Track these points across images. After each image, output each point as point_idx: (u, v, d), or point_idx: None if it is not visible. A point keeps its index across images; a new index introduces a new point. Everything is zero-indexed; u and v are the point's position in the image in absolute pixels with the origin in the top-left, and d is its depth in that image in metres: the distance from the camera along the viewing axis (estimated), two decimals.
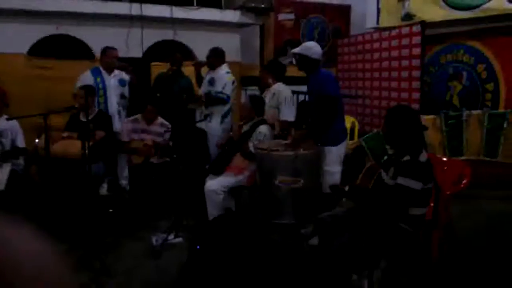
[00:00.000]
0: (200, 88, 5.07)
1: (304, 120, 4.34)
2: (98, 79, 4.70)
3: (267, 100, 4.35)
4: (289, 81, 4.67)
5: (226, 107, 4.83)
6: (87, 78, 4.63)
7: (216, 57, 4.88)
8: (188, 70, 5.36)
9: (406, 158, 2.47)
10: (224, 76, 4.82)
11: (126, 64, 4.93)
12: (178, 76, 5.20)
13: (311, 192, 3.43)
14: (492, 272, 2.99)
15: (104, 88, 4.74)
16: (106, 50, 4.81)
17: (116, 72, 4.87)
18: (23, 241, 0.49)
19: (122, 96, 4.95)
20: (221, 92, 4.74)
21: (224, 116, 4.83)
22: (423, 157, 2.47)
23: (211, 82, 4.84)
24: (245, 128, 4.08)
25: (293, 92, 4.50)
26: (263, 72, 4.71)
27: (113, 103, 4.83)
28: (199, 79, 5.08)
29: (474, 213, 4.08)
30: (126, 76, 4.94)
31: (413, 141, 2.52)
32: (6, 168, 3.75)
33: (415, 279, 2.67)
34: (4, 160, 3.92)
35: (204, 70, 5.10)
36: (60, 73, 5.22)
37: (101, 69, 4.77)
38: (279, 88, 4.40)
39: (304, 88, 4.14)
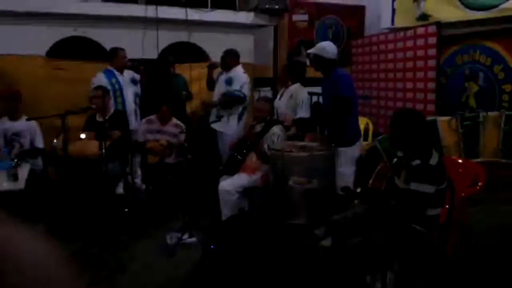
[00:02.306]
0: (212, 91, 5.10)
1: (317, 121, 4.34)
2: (114, 80, 4.78)
3: (283, 100, 4.36)
4: (305, 82, 4.66)
5: (242, 107, 4.87)
6: (101, 80, 4.70)
7: (232, 57, 4.91)
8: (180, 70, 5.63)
9: (417, 162, 2.46)
10: (242, 76, 4.86)
11: (136, 63, 5.03)
12: (173, 77, 5.37)
13: (324, 193, 3.43)
14: (506, 275, 2.95)
15: (121, 89, 4.82)
16: (117, 51, 4.89)
17: (126, 71, 4.96)
18: (25, 241, 0.49)
19: (136, 94, 5.05)
20: (239, 91, 4.77)
21: (240, 116, 4.86)
22: (434, 159, 2.46)
23: (229, 81, 4.85)
24: (258, 128, 4.10)
25: (308, 93, 4.49)
26: (283, 72, 4.74)
27: (130, 103, 4.93)
28: (210, 82, 5.12)
29: (490, 215, 4.03)
30: (136, 75, 5.03)
31: (421, 145, 2.51)
32: (25, 167, 3.83)
33: (429, 281, 2.65)
34: (23, 159, 4.01)
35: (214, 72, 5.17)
36: (77, 75, 5.30)
37: (114, 70, 4.84)
38: (297, 90, 4.38)
39: (318, 89, 4.14)
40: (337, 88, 3.49)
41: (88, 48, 5.82)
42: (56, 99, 4.96)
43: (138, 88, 5.10)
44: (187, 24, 6.05)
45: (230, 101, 4.79)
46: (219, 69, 5.07)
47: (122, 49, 4.93)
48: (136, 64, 5.01)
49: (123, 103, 4.82)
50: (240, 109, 4.86)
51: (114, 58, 4.87)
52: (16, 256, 0.46)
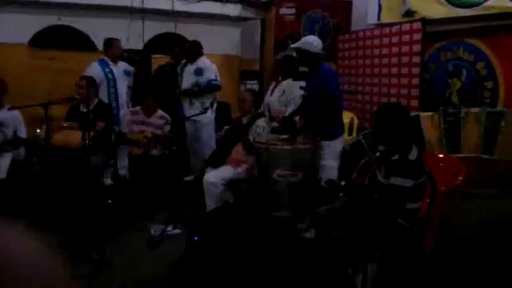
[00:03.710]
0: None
1: (304, 115, 4.36)
2: (107, 70, 4.75)
3: (275, 95, 4.36)
4: (298, 76, 4.66)
5: (213, 96, 4.97)
6: (95, 69, 4.66)
7: (196, 49, 4.96)
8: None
9: (396, 157, 2.51)
10: (212, 65, 4.95)
11: (133, 54, 5.00)
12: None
13: (308, 186, 3.46)
14: (487, 269, 3.03)
15: (114, 79, 4.79)
16: (111, 41, 4.85)
17: (120, 62, 4.92)
18: (17, 240, 0.49)
19: (128, 86, 5.02)
20: (215, 80, 4.88)
21: (212, 105, 4.92)
22: (413, 154, 2.50)
23: (198, 72, 4.89)
24: (244, 121, 4.11)
25: (300, 87, 4.49)
26: (275, 67, 4.77)
27: (123, 94, 4.92)
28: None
29: (471, 210, 4.11)
30: (130, 67, 4.99)
31: (402, 140, 2.55)
32: (7, 157, 3.78)
33: (409, 274, 2.71)
34: (5, 149, 3.95)
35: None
36: (62, 64, 5.24)
37: (108, 60, 4.80)
38: (289, 86, 4.39)
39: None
40: (324, 86, 3.50)
41: (73, 38, 5.74)
42: (40, 88, 4.90)
43: (130, 80, 5.08)
44: (174, 15, 6.01)
45: (206, 90, 4.86)
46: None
47: (117, 40, 4.90)
48: (133, 56, 4.98)
49: (116, 94, 4.80)
50: (212, 97, 4.94)
51: (109, 48, 4.84)
52: (9, 256, 0.46)
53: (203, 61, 4.95)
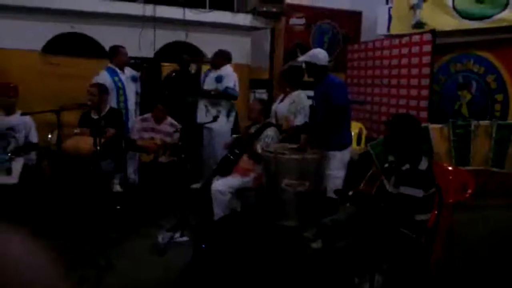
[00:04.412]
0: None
1: (311, 125, 4.37)
2: (116, 78, 4.80)
3: (283, 105, 4.38)
4: (303, 85, 4.69)
5: (230, 104, 4.99)
6: (104, 78, 4.71)
7: (222, 57, 5.03)
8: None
9: (406, 167, 2.53)
10: (233, 74, 4.98)
11: (139, 60, 5.07)
12: (186, 76, 5.31)
13: (315, 196, 3.47)
14: (494, 280, 3.00)
15: (124, 87, 4.84)
16: (118, 49, 4.90)
17: (126, 69, 4.99)
18: (19, 244, 0.50)
19: (136, 92, 5.08)
20: (233, 88, 4.89)
21: (229, 113, 4.93)
22: (424, 165, 2.52)
23: (218, 79, 4.94)
24: (253, 130, 4.13)
25: (308, 97, 4.51)
26: (280, 78, 4.79)
27: (132, 101, 4.97)
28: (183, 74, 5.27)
29: (478, 221, 4.08)
30: (136, 73, 5.05)
31: (413, 150, 2.58)
32: (19, 162, 3.83)
33: (415, 285, 2.69)
34: (18, 154, 4.01)
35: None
36: (74, 71, 5.31)
37: (115, 68, 4.85)
38: (299, 96, 4.40)
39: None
40: (330, 97, 3.52)
41: (86, 45, 5.82)
42: (52, 95, 4.97)
43: (138, 86, 5.14)
44: (185, 24, 6.08)
45: (223, 96, 4.89)
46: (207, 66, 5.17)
47: (123, 47, 4.96)
48: (139, 62, 5.05)
49: (125, 101, 4.85)
50: (229, 105, 4.96)
51: (115, 55, 4.88)
52: (8, 260, 0.47)
53: (226, 69, 5.00)
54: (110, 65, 4.88)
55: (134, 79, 5.04)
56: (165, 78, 5.89)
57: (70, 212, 3.72)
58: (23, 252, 0.50)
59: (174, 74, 5.35)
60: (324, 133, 3.57)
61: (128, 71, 4.99)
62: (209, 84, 5.01)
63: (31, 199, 3.75)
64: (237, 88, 4.96)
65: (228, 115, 4.95)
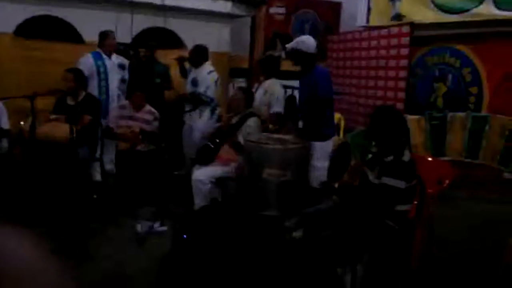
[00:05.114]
0: (185, 78, 5.05)
1: (292, 115, 4.37)
2: (100, 63, 4.73)
3: (258, 96, 4.35)
4: (281, 75, 4.67)
5: (212, 106, 4.88)
6: (88, 61, 4.65)
7: (198, 55, 4.86)
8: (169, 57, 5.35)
9: (390, 158, 2.55)
10: (207, 78, 4.81)
11: (127, 47, 4.96)
12: (152, 63, 5.19)
13: (297, 186, 3.47)
14: (471, 270, 3.09)
15: (106, 72, 4.77)
16: (107, 34, 4.83)
17: (115, 56, 4.89)
18: (16, 241, 0.49)
19: (122, 80, 4.99)
20: (204, 95, 4.78)
21: (213, 111, 4.87)
22: (407, 156, 2.55)
23: (194, 82, 4.84)
24: (234, 120, 4.09)
25: (284, 87, 4.50)
26: (256, 67, 4.74)
27: (114, 88, 4.89)
28: (183, 72, 5.06)
29: (453, 211, 4.20)
30: (125, 60, 4.95)
31: (396, 142, 2.59)
32: None
33: (396, 276, 2.74)
34: None
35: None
36: (48, 55, 5.13)
37: (102, 53, 4.78)
38: (272, 86, 4.38)
39: (294, 82, 4.15)
40: (317, 87, 3.50)
41: (60, 29, 5.62)
42: (25, 79, 4.79)
43: (125, 74, 5.06)
44: (164, 9, 5.94)
45: (198, 101, 4.81)
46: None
47: (112, 32, 4.87)
48: (127, 49, 4.94)
49: (107, 87, 4.79)
50: (213, 105, 4.88)
51: (103, 41, 4.81)
52: (4, 258, 0.46)
53: (202, 71, 4.84)
54: (97, 49, 4.81)
55: (121, 66, 4.98)
56: (129, 65, 5.74)
57: (45, 200, 3.61)
58: (20, 248, 0.49)
59: (142, 60, 5.17)
60: (308, 124, 3.57)
61: (117, 59, 4.91)
62: (188, 86, 4.92)
63: (2, 187, 3.62)
64: (210, 93, 4.80)
65: (211, 113, 4.86)
